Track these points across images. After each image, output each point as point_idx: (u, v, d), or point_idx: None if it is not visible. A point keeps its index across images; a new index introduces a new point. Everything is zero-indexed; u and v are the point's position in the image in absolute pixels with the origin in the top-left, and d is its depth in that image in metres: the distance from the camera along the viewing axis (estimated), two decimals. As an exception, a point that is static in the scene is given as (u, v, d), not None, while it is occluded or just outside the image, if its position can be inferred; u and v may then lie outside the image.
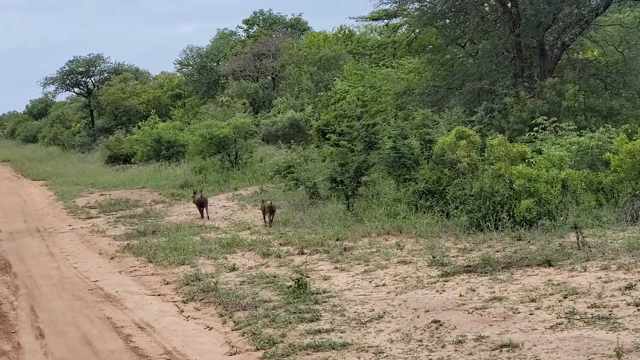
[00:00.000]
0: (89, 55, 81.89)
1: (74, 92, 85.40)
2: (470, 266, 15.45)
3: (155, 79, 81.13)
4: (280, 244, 20.96)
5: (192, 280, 17.22)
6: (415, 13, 33.54)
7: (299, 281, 14.76)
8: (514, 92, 28.16)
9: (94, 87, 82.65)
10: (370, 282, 15.47)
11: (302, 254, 19.27)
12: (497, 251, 16.92)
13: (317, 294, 14.77)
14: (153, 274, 18.99)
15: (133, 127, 69.95)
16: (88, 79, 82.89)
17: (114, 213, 31.67)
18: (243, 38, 71.79)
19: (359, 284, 15.38)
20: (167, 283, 17.62)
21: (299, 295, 14.59)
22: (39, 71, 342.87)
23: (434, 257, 16.39)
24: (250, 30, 70.09)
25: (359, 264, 17.31)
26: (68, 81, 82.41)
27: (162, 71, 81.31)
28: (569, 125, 23.96)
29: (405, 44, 35.34)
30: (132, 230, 26.28)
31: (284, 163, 35.57)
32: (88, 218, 30.98)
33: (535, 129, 23.65)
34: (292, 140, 45.32)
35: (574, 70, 29.78)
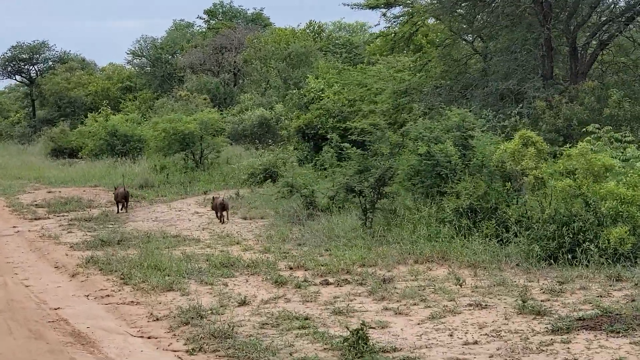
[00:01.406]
0: (33, 41, 76.53)
1: (15, 79, 79.73)
2: (584, 319, 11.37)
3: (103, 70, 76.03)
4: (290, 268, 16.67)
5: (191, 317, 12.86)
6: (425, 1, 29.64)
7: (358, 333, 10.49)
8: (545, 96, 24.23)
9: (37, 76, 77.22)
10: (451, 335, 11.28)
11: (327, 283, 15.02)
12: (600, 296, 12.88)
13: (384, 352, 10.55)
14: (133, 302, 14.56)
15: (78, 119, 65.18)
16: (31, 67, 77.40)
17: (66, 214, 27.14)
18: (202, 30, 67.09)
19: (435, 338, 11.18)
20: (157, 319, 13.21)
21: (360, 353, 10.34)
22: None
23: (523, 302, 12.27)
24: (210, 22, 65.33)
25: (414, 304, 13.12)
26: (10, 68, 76.86)
27: (110, 62, 76.24)
28: (624, 137, 20.03)
29: (406, 37, 31.31)
30: (92, 238, 21.80)
31: (260, 166, 31.35)
32: (35, 219, 26.40)
33: (588, 138, 19.57)
34: (259, 141, 41.09)
35: (616, 73, 25.98)
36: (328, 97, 34.55)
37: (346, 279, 15.10)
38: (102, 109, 47.88)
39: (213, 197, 25.24)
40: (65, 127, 54.92)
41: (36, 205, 29.14)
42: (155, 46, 66.08)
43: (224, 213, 23.97)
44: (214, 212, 24.65)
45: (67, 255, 19.81)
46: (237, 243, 20.53)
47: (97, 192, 31.96)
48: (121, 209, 26.91)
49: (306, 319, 12.46)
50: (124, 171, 35.87)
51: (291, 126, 34.68)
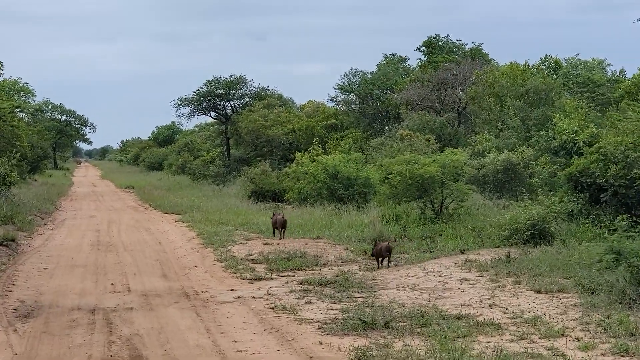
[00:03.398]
0: (230, 76, 72.64)
1: (210, 116, 76.00)
2: None
3: (302, 108, 71.19)
4: None
5: None
6: None
7: None
8: None
9: (233, 113, 73.25)
10: None
11: None
12: None
13: None
14: None
15: (275, 159, 60.31)
16: (227, 103, 73.48)
17: (291, 274, 21.39)
18: (421, 63, 60.95)
19: None
20: None
21: None
22: (162, 99, 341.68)
23: None
24: (430, 55, 59.10)
25: None
26: (205, 104, 73.18)
27: (309, 100, 71.32)
28: None
29: None
30: (343, 314, 15.81)
31: (527, 220, 24.64)
32: (256, 279, 20.74)
33: None
34: (501, 188, 34.44)
35: None
36: (603, 140, 27.79)
37: None
38: (313, 148, 42.41)
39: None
40: (267, 167, 49.89)
41: (252, 260, 23.50)
42: (366, 81, 60.46)
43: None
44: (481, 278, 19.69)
45: (321, 343, 13.74)
46: (562, 334, 14.02)
47: (321, 246, 26.05)
48: (282, 236, 26.36)
49: None
50: (350, 221, 29.90)
51: (561, 174, 27.94)
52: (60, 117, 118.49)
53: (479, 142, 38.95)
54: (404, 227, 28.05)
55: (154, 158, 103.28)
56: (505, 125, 41.14)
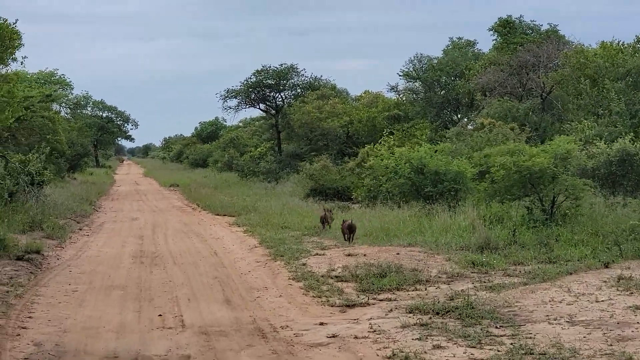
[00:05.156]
0: (281, 65, 67.54)
1: (258, 108, 71.00)
2: None
3: (359, 98, 66.01)
4: None
5: None
6: None
7: None
8: None
9: (284, 104, 68.22)
10: None
11: None
12: None
13: None
14: None
15: (331, 154, 55.32)
16: (277, 94, 68.45)
17: (391, 296, 16.38)
18: (491, 47, 55.44)
19: None
20: None
21: None
22: (203, 97, 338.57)
23: None
24: (508, 36, 53.40)
25: None
26: (253, 95, 68.20)
27: (365, 90, 66.04)
28: None
29: None
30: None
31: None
32: (348, 306, 15.71)
33: None
34: (614, 184, 29.12)
35: None
36: None
37: None
38: (384, 140, 37.30)
39: (343, 220, 24.18)
40: (328, 162, 44.95)
41: (337, 277, 18.38)
42: (433, 66, 54.99)
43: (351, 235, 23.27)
44: None
45: None
46: None
47: (414, 255, 20.87)
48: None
49: None
50: (443, 223, 24.69)
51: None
52: (101, 113, 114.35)
53: (580, 130, 33.46)
54: (513, 231, 22.78)
55: (198, 155, 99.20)
56: (607, 111, 35.64)
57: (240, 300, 16.24)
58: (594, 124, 33.96)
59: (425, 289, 17.15)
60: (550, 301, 15.25)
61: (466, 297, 15.33)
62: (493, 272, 18.98)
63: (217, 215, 35.73)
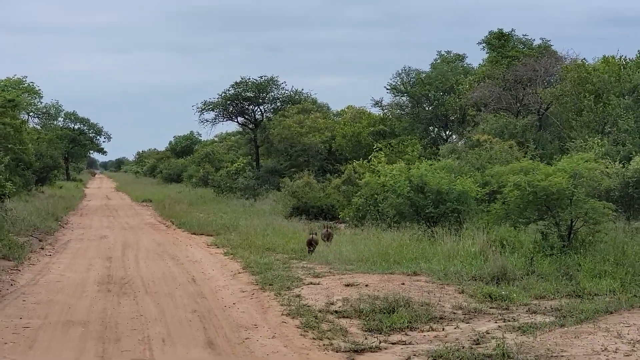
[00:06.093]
0: (260, 77, 64.86)
1: (236, 122, 68.26)
2: None
3: (341, 113, 63.49)
4: None
5: None
6: None
7: None
8: None
9: (263, 118, 65.53)
10: None
11: None
12: None
13: None
14: None
15: (312, 170, 52.73)
16: (256, 108, 65.73)
17: (405, 339, 13.72)
18: (484, 60, 53.05)
19: None
20: None
21: None
22: (178, 111, 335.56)
23: None
24: (502, 49, 50.99)
25: None
26: (231, 108, 65.45)
27: (348, 105, 63.53)
28: None
29: None
30: None
31: None
32: (356, 351, 12.97)
33: None
34: (632, 207, 26.68)
35: None
36: None
37: None
38: (374, 156, 34.74)
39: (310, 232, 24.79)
40: (311, 179, 42.31)
41: (337, 313, 15.64)
42: (422, 80, 52.50)
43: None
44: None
45: None
46: None
47: (425, 286, 18.23)
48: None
49: None
50: (450, 249, 22.04)
51: None
52: (73, 125, 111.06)
53: (589, 148, 30.95)
54: (531, 259, 20.20)
55: (172, 169, 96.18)
56: (615, 128, 33.19)
57: (225, 342, 13.47)
58: (604, 142, 31.48)
59: (443, 329, 14.54)
60: (603, 351, 12.63)
61: (500, 344, 12.69)
62: (514, 308, 16.41)
63: (194, 234, 32.95)
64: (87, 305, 16.52)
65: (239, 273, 20.81)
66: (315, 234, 24.58)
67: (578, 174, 22.41)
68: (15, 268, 21.58)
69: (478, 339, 13.54)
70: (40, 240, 29.22)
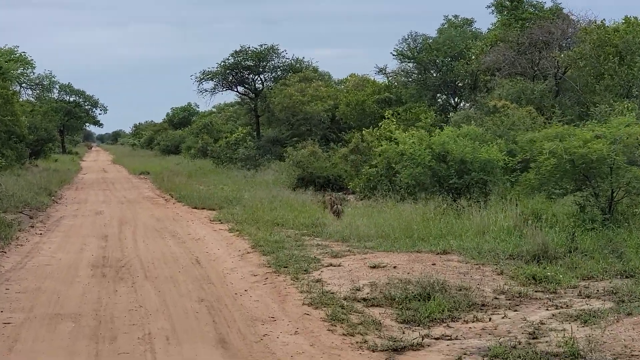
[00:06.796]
0: (260, 46, 62.64)
1: (236, 91, 66.05)
2: None
3: (344, 81, 61.38)
4: None
5: None
6: None
7: None
8: None
9: (263, 87, 63.34)
10: None
11: None
12: None
13: None
14: None
15: (315, 139, 50.63)
16: (256, 77, 63.55)
17: (448, 332, 11.77)
18: (496, 22, 50.87)
19: None
20: None
21: None
22: (175, 84, 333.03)
23: None
24: (515, 11, 48.75)
25: None
26: (231, 77, 63.24)
27: (351, 73, 61.40)
28: None
29: None
30: None
31: None
32: (395, 350, 10.92)
33: None
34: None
35: None
36: None
37: None
38: (385, 122, 32.70)
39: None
40: (317, 149, 40.29)
41: (364, 299, 13.62)
42: (430, 46, 50.31)
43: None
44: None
45: None
46: None
47: (459, 267, 16.20)
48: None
49: None
50: (479, 224, 19.98)
51: None
52: (68, 97, 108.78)
53: (618, 112, 28.86)
54: (572, 234, 18.17)
55: (170, 141, 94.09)
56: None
57: (240, 340, 11.46)
58: (635, 106, 29.38)
59: (489, 319, 12.55)
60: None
61: (567, 341, 10.70)
62: (563, 292, 14.41)
63: (195, 208, 30.89)
64: (79, 294, 14.48)
65: (248, 253, 18.77)
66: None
67: (619, 139, 20.37)
68: (1, 250, 19.53)
69: (534, 332, 11.59)
70: (30, 218, 27.19)
